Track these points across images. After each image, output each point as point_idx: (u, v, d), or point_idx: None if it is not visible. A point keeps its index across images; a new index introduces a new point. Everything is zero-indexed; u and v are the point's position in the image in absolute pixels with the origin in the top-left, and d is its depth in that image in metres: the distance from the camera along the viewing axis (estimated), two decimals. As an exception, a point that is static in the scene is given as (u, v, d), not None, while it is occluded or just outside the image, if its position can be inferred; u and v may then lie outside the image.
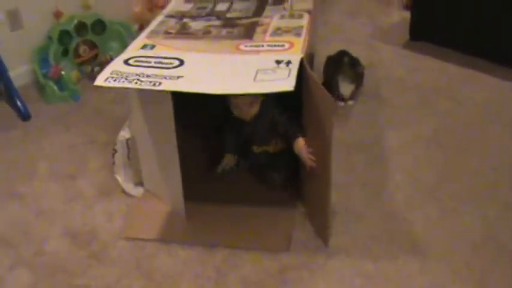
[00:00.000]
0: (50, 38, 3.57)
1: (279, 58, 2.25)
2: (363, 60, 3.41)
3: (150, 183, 2.69)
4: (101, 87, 2.13)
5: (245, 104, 2.46)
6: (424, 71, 3.66)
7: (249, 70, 2.19)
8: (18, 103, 3.35)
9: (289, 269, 2.29)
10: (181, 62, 2.31)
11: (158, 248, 2.43)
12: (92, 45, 3.73)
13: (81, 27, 3.64)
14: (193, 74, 2.22)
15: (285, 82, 2.06)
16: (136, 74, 2.18)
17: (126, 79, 2.14)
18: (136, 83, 2.13)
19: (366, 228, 2.46)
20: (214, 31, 2.63)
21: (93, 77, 3.61)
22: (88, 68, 3.70)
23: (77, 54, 3.68)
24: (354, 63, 3.25)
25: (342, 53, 3.31)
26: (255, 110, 2.48)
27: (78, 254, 2.45)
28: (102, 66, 3.60)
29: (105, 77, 2.17)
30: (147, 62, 2.32)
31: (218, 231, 2.50)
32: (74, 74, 3.60)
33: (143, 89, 2.12)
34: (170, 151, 2.40)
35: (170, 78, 2.15)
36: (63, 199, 2.75)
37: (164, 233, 2.50)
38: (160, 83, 2.11)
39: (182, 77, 2.17)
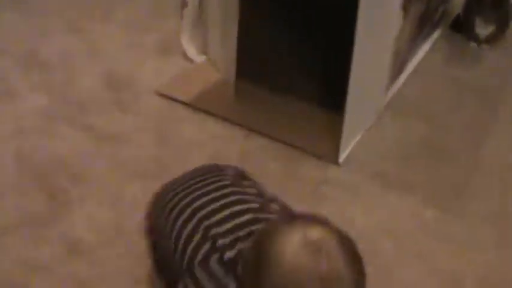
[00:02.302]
0: None
1: None
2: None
3: (212, 51, 2.32)
4: None
5: None
6: None
7: None
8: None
9: (329, 183, 1.85)
10: None
11: (189, 114, 2.09)
12: None
13: None
14: None
15: None
16: None
17: None
18: None
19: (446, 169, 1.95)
20: None
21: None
22: None
23: None
24: (500, 3, 2.60)
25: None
26: None
27: (105, 95, 2.17)
28: None
29: None
30: None
31: (263, 116, 2.09)
32: None
33: None
34: (232, 17, 2.05)
35: None
36: (122, 45, 2.45)
37: (207, 100, 2.13)
38: None
39: None
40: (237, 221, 1.04)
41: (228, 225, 1.04)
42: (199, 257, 1.01)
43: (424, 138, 2.06)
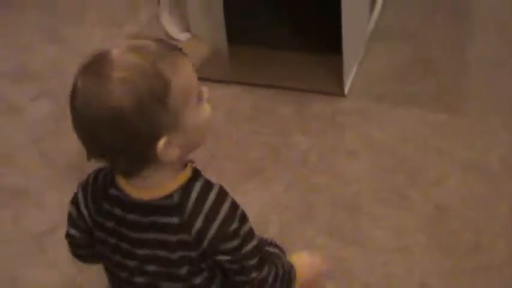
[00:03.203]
0: None
1: None
2: None
3: (195, 25, 2.39)
4: None
5: None
6: None
7: None
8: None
9: (342, 113, 1.96)
10: None
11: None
12: None
13: None
14: None
15: None
16: None
17: None
18: None
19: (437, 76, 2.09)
20: None
21: None
22: None
23: None
24: None
25: None
26: None
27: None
28: None
29: None
30: None
31: (262, 71, 2.19)
32: None
33: None
34: None
35: None
36: (103, 42, 2.51)
37: (203, 69, 2.21)
38: None
39: None
40: None
41: None
42: None
43: (410, 56, 2.19)
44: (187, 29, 2.45)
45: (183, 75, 0.90)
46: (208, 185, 0.95)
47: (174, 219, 0.93)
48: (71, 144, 1.87)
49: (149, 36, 0.93)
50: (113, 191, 0.97)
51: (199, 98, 0.95)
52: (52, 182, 1.84)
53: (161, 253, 0.95)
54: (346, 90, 2.04)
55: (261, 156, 1.83)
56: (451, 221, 1.58)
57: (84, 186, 1.02)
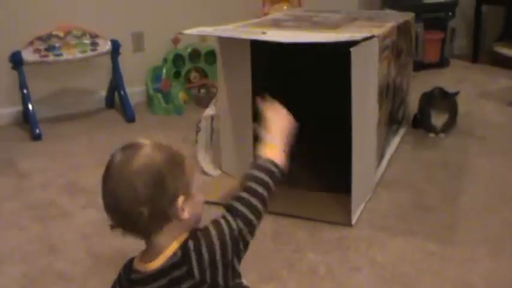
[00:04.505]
0: (165, 60, 3.89)
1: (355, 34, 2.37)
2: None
3: (227, 164, 2.78)
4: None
5: None
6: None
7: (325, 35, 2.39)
8: (127, 107, 3.63)
9: (348, 239, 2.28)
10: (265, 32, 2.49)
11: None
12: (203, 74, 4.00)
13: (195, 54, 3.95)
14: (276, 35, 2.41)
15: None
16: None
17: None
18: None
19: (432, 217, 2.44)
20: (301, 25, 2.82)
21: (199, 99, 3.92)
22: (195, 90, 3.96)
23: (188, 80, 3.97)
24: (446, 95, 3.24)
25: (435, 88, 3.33)
26: None
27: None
28: (209, 90, 3.91)
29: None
30: (232, 30, 2.54)
31: (283, 203, 2.51)
32: (181, 94, 3.86)
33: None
34: (247, 130, 2.55)
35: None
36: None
37: (229, 197, 2.54)
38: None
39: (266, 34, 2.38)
40: None
41: None
42: None
43: (410, 200, 2.55)
44: (220, 167, 2.85)
45: (190, 163, 1.29)
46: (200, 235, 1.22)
47: (184, 269, 1.19)
48: (114, 243, 2.20)
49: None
50: (133, 276, 1.26)
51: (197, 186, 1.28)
52: (95, 271, 2.12)
53: None
54: (354, 221, 2.37)
55: (279, 266, 2.11)
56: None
57: (117, 279, 1.35)
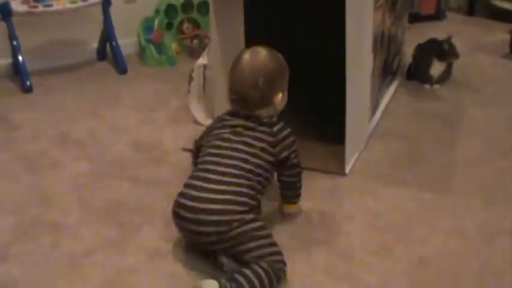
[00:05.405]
0: (157, 10, 3.83)
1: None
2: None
3: (220, 113, 2.75)
4: None
5: None
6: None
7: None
8: (118, 58, 3.58)
9: (341, 187, 2.29)
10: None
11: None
12: (196, 25, 3.94)
13: (187, 5, 3.88)
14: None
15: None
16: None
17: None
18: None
19: (426, 167, 2.44)
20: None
21: (192, 50, 3.87)
22: (188, 41, 3.91)
23: (180, 31, 3.91)
24: (446, 44, 3.18)
25: (433, 40, 3.28)
26: None
27: (138, 156, 2.57)
28: (202, 41, 3.85)
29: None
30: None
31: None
32: (174, 45, 3.80)
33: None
34: None
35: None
36: (137, 121, 2.88)
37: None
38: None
39: None
40: None
41: None
42: None
43: (404, 150, 2.54)
44: (212, 117, 2.81)
45: (288, 73, 2.03)
46: (284, 126, 1.95)
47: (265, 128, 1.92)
48: (105, 193, 2.19)
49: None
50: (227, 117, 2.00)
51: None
52: (87, 221, 2.11)
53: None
54: (347, 171, 2.35)
55: (273, 215, 2.11)
56: (431, 270, 1.83)
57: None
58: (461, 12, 4.92)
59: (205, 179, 1.83)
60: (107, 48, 3.75)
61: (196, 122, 2.81)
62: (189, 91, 2.85)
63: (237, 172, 1.83)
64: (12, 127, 2.86)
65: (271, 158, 1.91)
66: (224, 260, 1.80)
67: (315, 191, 2.24)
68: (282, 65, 1.95)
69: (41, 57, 3.62)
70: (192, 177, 1.88)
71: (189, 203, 1.79)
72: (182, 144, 2.61)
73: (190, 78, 2.82)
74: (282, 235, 1.97)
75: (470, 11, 4.89)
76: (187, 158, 2.43)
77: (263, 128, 1.91)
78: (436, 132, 2.71)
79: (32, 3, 3.33)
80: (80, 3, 3.43)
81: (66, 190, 2.30)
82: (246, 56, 1.92)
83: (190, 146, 2.31)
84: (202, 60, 2.78)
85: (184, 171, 2.36)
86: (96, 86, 3.37)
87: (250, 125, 1.91)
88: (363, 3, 2.34)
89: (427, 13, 4.68)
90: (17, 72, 3.41)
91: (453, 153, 2.52)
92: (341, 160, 2.37)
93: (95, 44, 3.79)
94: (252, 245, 1.74)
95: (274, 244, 1.79)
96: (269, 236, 1.80)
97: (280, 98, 1.94)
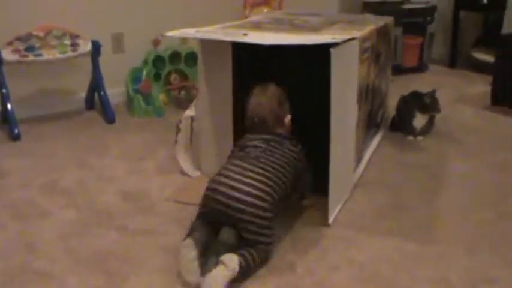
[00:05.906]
0: (145, 61, 3.90)
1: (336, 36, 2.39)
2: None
3: (207, 165, 2.79)
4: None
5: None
6: (502, 124, 3.61)
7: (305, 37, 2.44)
8: (107, 108, 3.63)
9: (326, 238, 2.31)
10: (246, 34, 2.51)
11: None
12: (183, 76, 4.01)
13: (175, 56, 3.95)
14: (258, 37, 2.44)
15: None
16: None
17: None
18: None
19: (410, 217, 2.48)
20: (282, 27, 2.84)
21: (179, 101, 3.93)
22: (175, 92, 3.97)
23: (168, 81, 3.97)
24: (428, 96, 3.26)
25: (416, 93, 3.36)
26: None
27: (125, 205, 2.58)
28: (189, 92, 3.92)
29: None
30: (214, 32, 2.55)
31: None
32: (161, 95, 3.86)
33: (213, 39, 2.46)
34: (227, 132, 2.65)
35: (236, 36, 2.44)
36: (126, 171, 2.91)
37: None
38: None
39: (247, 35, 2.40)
40: None
41: None
42: None
43: (387, 201, 2.58)
44: (199, 168, 2.85)
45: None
46: (294, 141, 2.36)
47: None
48: (92, 243, 2.20)
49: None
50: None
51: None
52: (74, 270, 2.12)
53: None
54: (330, 221, 2.39)
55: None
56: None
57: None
58: (443, 64, 5.06)
59: (243, 168, 2.19)
60: (95, 98, 3.79)
61: (183, 172, 2.85)
62: (176, 142, 2.89)
63: (265, 169, 2.21)
64: (0, 175, 2.87)
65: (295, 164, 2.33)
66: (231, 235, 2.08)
67: (300, 241, 2.26)
68: (284, 94, 2.38)
69: (30, 105, 3.67)
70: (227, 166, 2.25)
71: (230, 183, 2.13)
72: (168, 194, 2.63)
73: (178, 129, 2.87)
74: (267, 286, 1.99)
75: (452, 63, 5.02)
76: (175, 207, 2.45)
77: (287, 141, 2.34)
78: (419, 182, 2.77)
79: (23, 53, 3.39)
80: (70, 53, 3.49)
81: (53, 239, 2.31)
82: (259, 89, 2.36)
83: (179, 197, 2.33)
84: (189, 112, 2.83)
85: (171, 221, 2.39)
86: (84, 135, 3.41)
87: (277, 138, 2.32)
88: (349, 56, 2.41)
89: (410, 65, 4.80)
90: (6, 120, 3.44)
91: (437, 203, 2.57)
92: (325, 211, 2.40)
93: (83, 94, 3.84)
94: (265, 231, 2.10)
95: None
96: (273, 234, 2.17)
97: (289, 119, 2.38)
